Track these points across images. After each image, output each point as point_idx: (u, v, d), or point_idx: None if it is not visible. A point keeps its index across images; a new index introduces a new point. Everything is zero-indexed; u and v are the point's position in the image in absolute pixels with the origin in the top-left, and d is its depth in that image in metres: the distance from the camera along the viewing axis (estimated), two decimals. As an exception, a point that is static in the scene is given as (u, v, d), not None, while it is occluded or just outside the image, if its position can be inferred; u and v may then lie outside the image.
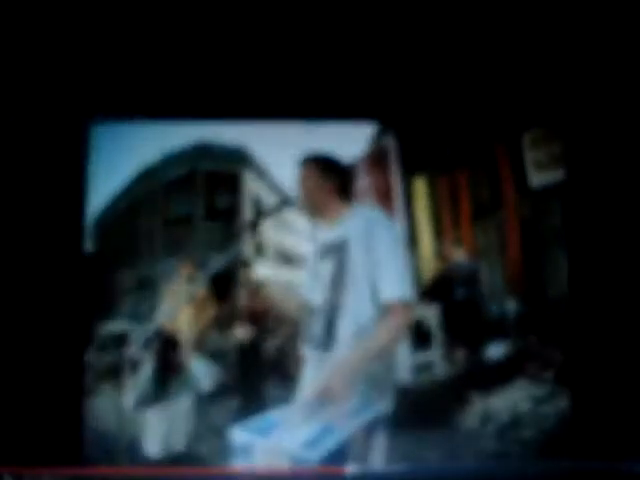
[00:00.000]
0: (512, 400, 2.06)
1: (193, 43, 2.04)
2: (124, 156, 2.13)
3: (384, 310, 1.60)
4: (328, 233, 1.74)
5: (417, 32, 2.03)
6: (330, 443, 1.25)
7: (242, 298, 2.32)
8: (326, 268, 1.72)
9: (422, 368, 2.19)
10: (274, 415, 1.43)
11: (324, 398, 1.42)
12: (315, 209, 1.77)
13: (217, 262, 2.39)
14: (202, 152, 2.37)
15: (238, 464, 1.32)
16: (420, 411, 1.99)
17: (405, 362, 2.11)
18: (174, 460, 1.96)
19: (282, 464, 1.22)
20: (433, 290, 2.26)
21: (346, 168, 1.81)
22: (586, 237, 2.03)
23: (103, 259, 2.20)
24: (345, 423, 1.36)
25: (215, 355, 2.27)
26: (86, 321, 1.97)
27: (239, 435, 1.31)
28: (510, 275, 2.26)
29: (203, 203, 2.46)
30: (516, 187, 2.19)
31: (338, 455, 1.28)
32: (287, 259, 2.65)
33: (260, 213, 1.97)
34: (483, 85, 2.07)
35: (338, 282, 1.67)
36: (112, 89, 2.03)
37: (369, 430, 1.42)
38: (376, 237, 1.64)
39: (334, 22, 2.01)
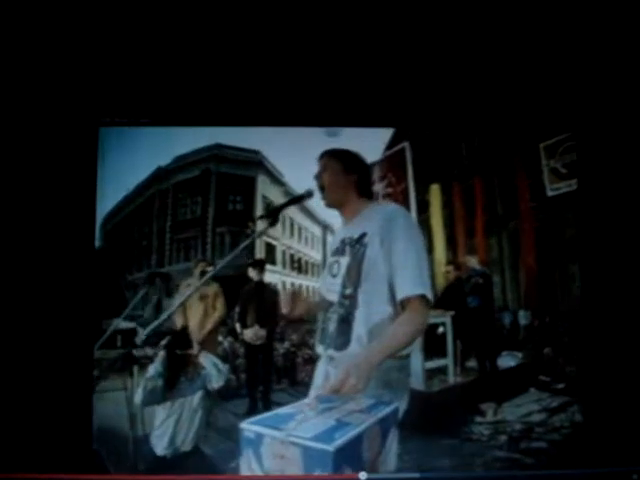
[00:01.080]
0: (525, 410, 2.04)
1: (209, 51, 2.04)
2: (134, 158, 2.12)
3: (402, 307, 1.57)
4: (346, 230, 1.72)
5: (434, 42, 2.04)
6: (344, 437, 1.21)
7: (254, 299, 2.32)
8: (343, 264, 1.70)
9: (435, 375, 2.18)
10: (286, 410, 1.39)
11: (339, 392, 1.38)
12: (334, 203, 1.76)
13: (228, 263, 2.39)
14: (216, 154, 2.38)
15: (246, 461, 1.28)
16: (431, 417, 1.97)
17: (418, 368, 2.10)
18: (181, 458, 1.93)
19: (293, 456, 1.19)
20: (446, 297, 2.26)
21: (366, 164, 1.81)
22: (599, 248, 2.02)
23: (113, 257, 2.19)
24: (359, 419, 1.32)
25: (225, 355, 2.25)
26: (95, 318, 1.95)
27: (248, 427, 1.27)
28: (524, 286, 2.25)
29: (214, 205, 2.46)
30: (532, 196, 2.19)
31: (351, 449, 1.24)
32: (298, 264, 2.65)
33: (275, 207, 1.95)
34: (500, 95, 2.07)
35: (354, 278, 1.65)
36: (127, 95, 2.03)
37: (384, 428, 1.38)
38: (394, 232, 1.60)
39: (348, 32, 2.02)
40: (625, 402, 1.93)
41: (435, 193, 2.37)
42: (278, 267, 2.58)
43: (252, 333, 2.26)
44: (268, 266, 2.44)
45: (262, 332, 2.26)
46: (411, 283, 1.55)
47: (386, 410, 1.40)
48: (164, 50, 1.98)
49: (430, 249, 2.36)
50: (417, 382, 2.10)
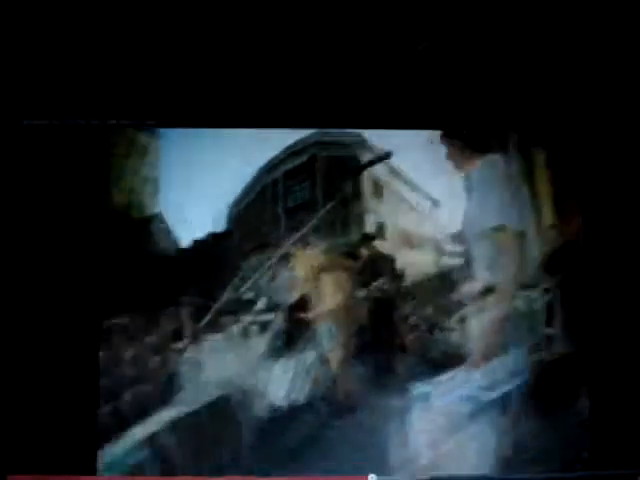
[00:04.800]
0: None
1: (216, 52, 2.07)
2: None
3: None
4: None
5: (471, 49, 2.09)
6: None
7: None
8: None
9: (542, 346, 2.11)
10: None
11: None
12: None
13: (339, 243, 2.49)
14: (319, 140, 2.48)
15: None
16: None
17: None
18: (296, 411, 2.09)
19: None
20: (553, 263, 2.17)
21: None
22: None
23: (236, 240, 2.39)
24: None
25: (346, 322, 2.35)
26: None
27: (418, 387, 1.81)
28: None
29: (323, 188, 2.57)
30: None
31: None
32: (407, 239, 2.68)
33: (355, 167, 2.07)
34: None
35: None
36: (133, 96, 2.07)
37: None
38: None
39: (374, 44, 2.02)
40: (632, 402, 1.91)
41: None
42: (389, 243, 2.62)
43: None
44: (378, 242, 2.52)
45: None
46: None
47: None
48: (170, 51, 2.05)
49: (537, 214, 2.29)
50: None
